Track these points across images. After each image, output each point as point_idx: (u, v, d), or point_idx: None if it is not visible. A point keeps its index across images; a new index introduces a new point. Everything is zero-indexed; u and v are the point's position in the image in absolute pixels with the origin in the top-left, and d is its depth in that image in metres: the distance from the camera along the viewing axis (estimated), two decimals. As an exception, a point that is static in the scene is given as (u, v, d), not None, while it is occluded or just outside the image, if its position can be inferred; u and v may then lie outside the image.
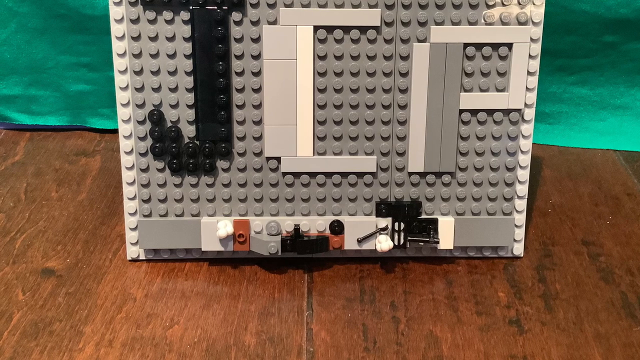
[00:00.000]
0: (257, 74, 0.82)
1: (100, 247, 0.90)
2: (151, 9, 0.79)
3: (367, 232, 0.86)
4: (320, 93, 0.82)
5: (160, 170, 0.84)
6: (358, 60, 0.82)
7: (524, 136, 0.85)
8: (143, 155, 0.84)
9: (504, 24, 0.81)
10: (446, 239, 0.86)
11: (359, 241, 0.86)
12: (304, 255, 0.87)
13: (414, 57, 0.81)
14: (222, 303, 0.81)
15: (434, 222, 0.86)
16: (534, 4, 0.81)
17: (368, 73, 0.82)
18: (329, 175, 0.85)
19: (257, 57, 0.81)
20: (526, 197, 0.87)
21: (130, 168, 0.84)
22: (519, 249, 0.89)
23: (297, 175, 0.85)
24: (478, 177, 0.86)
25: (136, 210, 0.86)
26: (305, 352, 0.75)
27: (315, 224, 0.86)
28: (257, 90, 0.82)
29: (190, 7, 0.79)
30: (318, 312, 0.80)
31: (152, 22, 0.80)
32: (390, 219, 0.86)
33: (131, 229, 0.86)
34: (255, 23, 0.80)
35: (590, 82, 1.14)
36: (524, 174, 0.86)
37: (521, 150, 0.85)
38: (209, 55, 0.80)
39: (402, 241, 0.86)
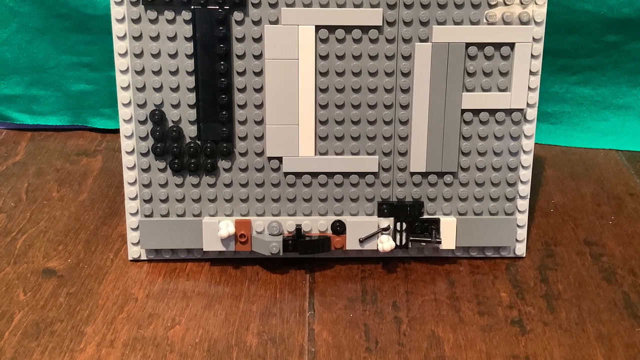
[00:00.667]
0: (259, 73, 0.81)
1: (102, 247, 0.90)
2: (152, 8, 0.79)
3: (369, 232, 0.86)
4: (322, 93, 0.82)
5: (162, 170, 0.84)
6: (360, 60, 0.81)
7: (526, 136, 0.85)
8: (144, 155, 0.84)
9: (506, 23, 0.81)
10: (448, 239, 0.86)
11: (361, 241, 0.86)
12: (305, 256, 0.87)
13: (416, 56, 0.81)
14: (224, 303, 0.81)
15: (436, 222, 0.86)
16: (536, 3, 0.80)
17: (370, 73, 0.82)
18: (330, 175, 0.85)
19: (258, 56, 0.81)
20: (528, 197, 0.87)
21: (132, 168, 0.84)
22: (521, 249, 0.89)
23: (298, 175, 0.85)
24: (480, 177, 0.86)
25: (137, 210, 0.85)
26: (307, 353, 0.75)
27: (317, 224, 0.86)
28: (259, 90, 0.82)
29: (192, 7, 0.79)
30: (320, 313, 0.80)
31: (154, 21, 0.80)
32: (392, 219, 0.86)
33: (132, 229, 0.86)
34: (256, 23, 0.80)
35: (592, 82, 1.13)
36: (526, 174, 0.86)
37: (523, 150, 0.85)
38: (211, 55, 0.80)
39: (404, 241, 0.86)
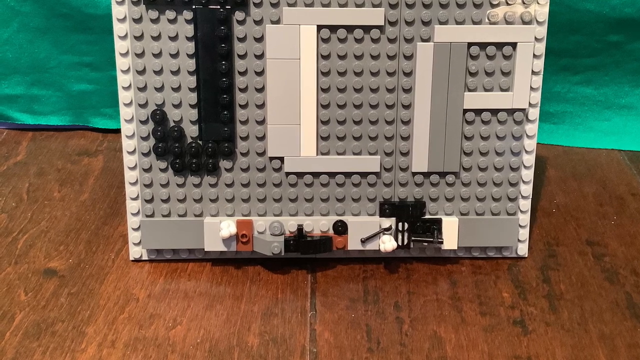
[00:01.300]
0: (260, 73, 0.81)
1: (103, 248, 0.90)
2: (154, 8, 0.79)
3: (371, 232, 0.86)
4: (323, 92, 0.82)
5: (163, 170, 0.84)
6: (361, 60, 0.81)
7: (528, 136, 0.84)
8: (146, 155, 0.84)
9: (508, 23, 0.81)
10: (450, 239, 0.86)
11: (363, 241, 0.86)
12: (307, 256, 0.87)
13: (417, 56, 0.81)
14: (225, 303, 0.81)
15: (438, 222, 0.86)
16: (538, 3, 0.80)
17: (371, 72, 0.82)
18: (332, 175, 0.85)
19: (260, 56, 0.81)
20: (530, 197, 0.87)
21: (133, 168, 0.84)
22: (523, 249, 0.88)
23: (300, 175, 0.85)
24: (482, 177, 0.85)
25: (139, 210, 0.85)
26: (308, 353, 0.75)
27: (318, 224, 0.86)
28: (260, 89, 0.82)
29: (193, 7, 0.79)
30: (321, 313, 0.80)
31: (155, 21, 0.80)
32: (394, 219, 0.86)
33: (134, 229, 0.86)
34: (258, 22, 0.80)
35: (594, 82, 1.13)
36: (528, 174, 0.86)
37: (525, 150, 0.85)
38: (212, 55, 0.80)
39: (405, 241, 0.86)
